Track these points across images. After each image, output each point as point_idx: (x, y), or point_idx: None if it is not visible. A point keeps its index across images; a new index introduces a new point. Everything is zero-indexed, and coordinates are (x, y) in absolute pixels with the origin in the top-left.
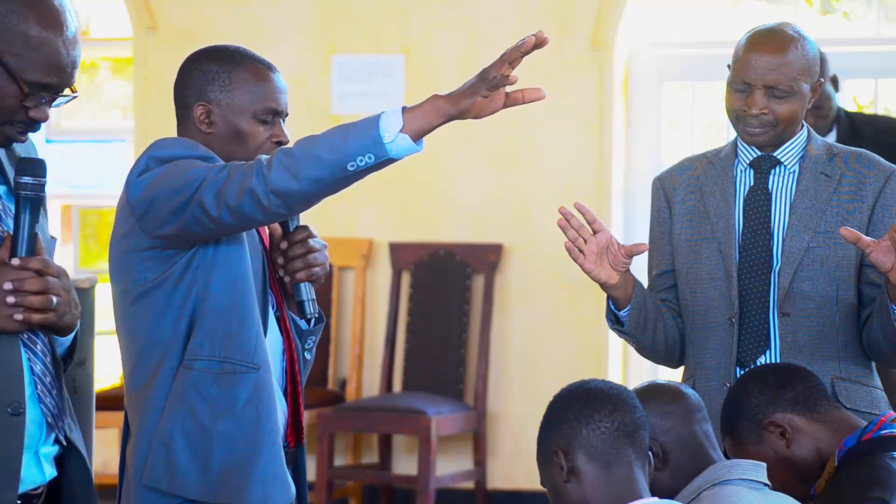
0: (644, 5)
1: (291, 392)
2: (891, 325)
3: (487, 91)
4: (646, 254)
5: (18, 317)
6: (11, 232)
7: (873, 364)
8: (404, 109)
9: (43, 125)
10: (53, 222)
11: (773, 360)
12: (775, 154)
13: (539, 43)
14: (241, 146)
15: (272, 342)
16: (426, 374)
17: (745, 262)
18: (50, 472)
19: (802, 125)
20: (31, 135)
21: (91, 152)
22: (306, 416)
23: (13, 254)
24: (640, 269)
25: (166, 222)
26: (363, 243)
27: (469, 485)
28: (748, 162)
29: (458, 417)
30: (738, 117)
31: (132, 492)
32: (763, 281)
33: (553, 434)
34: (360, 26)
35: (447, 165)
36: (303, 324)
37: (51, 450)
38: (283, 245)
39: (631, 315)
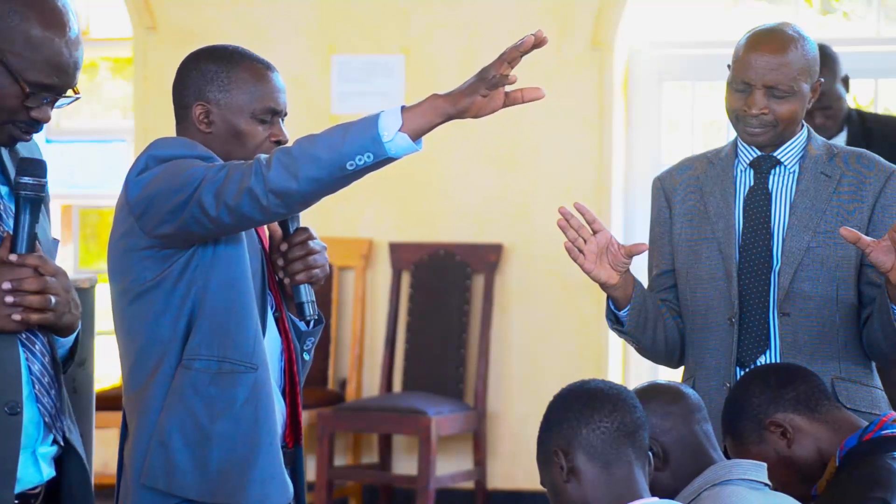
0: (644, 5)
1: (290, 393)
2: (891, 325)
3: (486, 90)
4: (646, 254)
5: (17, 316)
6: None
7: (873, 364)
8: (403, 108)
9: (43, 125)
10: (53, 222)
11: (773, 360)
12: (775, 154)
13: (538, 42)
14: (241, 146)
15: (271, 343)
16: (426, 374)
17: (745, 262)
18: (48, 472)
19: (802, 125)
20: (34, 135)
21: (91, 152)
22: (306, 416)
23: (12, 254)
24: (640, 269)
25: (165, 221)
26: (363, 243)
27: (469, 485)
28: (748, 162)
29: (458, 417)
30: (738, 117)
31: (130, 491)
32: (763, 281)
33: (553, 434)
34: (360, 26)
35: (447, 165)
36: (302, 325)
37: (49, 450)
38: (284, 247)
39: (631, 315)
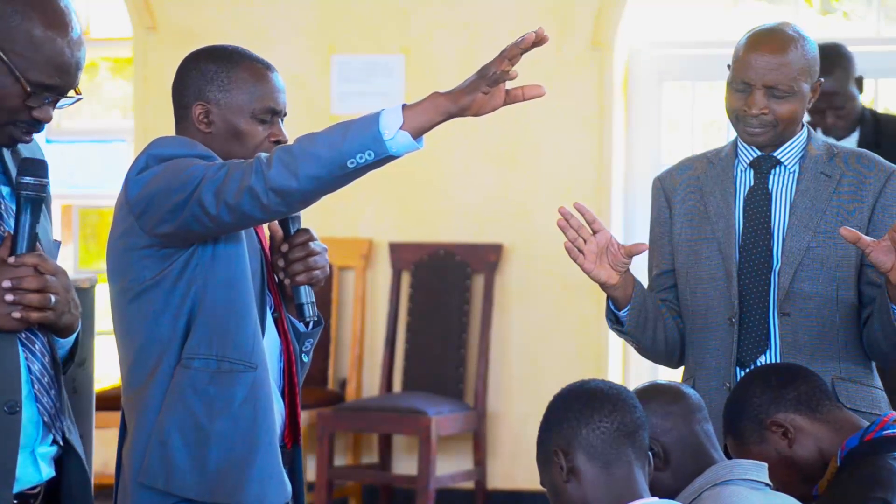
0: (644, 5)
1: (289, 393)
2: (891, 325)
3: (487, 87)
4: (646, 254)
5: (17, 315)
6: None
7: (873, 364)
8: (404, 107)
9: (45, 125)
10: (53, 222)
11: (773, 360)
12: (775, 154)
13: (539, 40)
14: (240, 146)
15: (270, 343)
16: (426, 374)
17: (745, 262)
18: (47, 472)
19: (802, 125)
20: (35, 136)
21: (91, 152)
22: (306, 416)
23: (12, 253)
24: (640, 269)
25: (165, 220)
26: (363, 243)
27: (469, 485)
28: (748, 162)
29: (458, 417)
30: (738, 117)
31: (129, 491)
32: (763, 281)
33: (553, 434)
34: (360, 26)
35: (447, 166)
36: (301, 326)
37: (48, 450)
38: (284, 248)
39: (631, 315)
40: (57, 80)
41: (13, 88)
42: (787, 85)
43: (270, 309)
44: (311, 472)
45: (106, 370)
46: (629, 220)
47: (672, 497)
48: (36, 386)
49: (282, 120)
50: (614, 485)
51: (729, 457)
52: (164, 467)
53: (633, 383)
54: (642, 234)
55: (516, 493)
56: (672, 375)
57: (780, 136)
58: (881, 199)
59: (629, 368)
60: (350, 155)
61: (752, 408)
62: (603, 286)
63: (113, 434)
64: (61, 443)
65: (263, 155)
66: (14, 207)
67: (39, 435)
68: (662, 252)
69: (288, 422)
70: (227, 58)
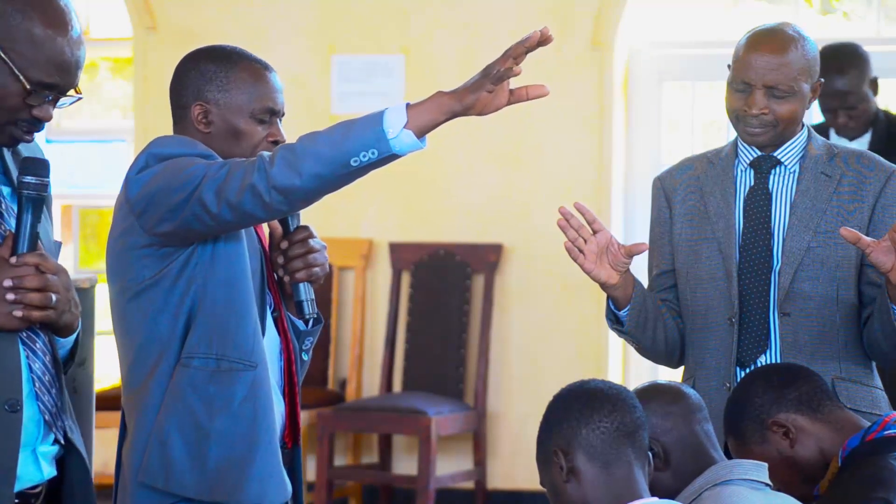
0: (644, 5)
1: (289, 392)
2: (891, 325)
3: (492, 86)
4: (646, 254)
5: (18, 314)
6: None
7: (874, 364)
8: (408, 105)
9: (45, 125)
10: (54, 222)
11: (774, 360)
12: (775, 154)
13: (544, 39)
14: (239, 146)
15: (270, 342)
16: (426, 374)
17: (746, 261)
18: (49, 471)
19: (803, 125)
20: (35, 135)
21: (91, 152)
22: (306, 416)
23: (14, 252)
24: (640, 269)
25: (166, 219)
26: (363, 243)
27: (469, 485)
28: (748, 162)
29: (458, 417)
30: (738, 117)
31: (128, 490)
32: (763, 281)
33: (553, 434)
34: (360, 26)
35: (447, 166)
36: (301, 324)
37: (49, 449)
38: (284, 245)
39: (631, 315)
40: (57, 78)
41: (13, 87)
42: (788, 85)
43: (270, 308)
44: (311, 472)
45: (106, 370)
46: (629, 220)
47: (672, 497)
48: (37, 384)
49: (280, 120)
50: (614, 485)
51: (729, 457)
52: (163, 466)
53: (633, 383)
54: (642, 234)
55: (516, 493)
56: (672, 375)
57: (780, 136)
58: (881, 199)
59: (629, 368)
60: (353, 153)
61: (753, 408)
62: (603, 286)
63: (113, 434)
64: (62, 442)
65: (266, 153)
66: (15, 207)
67: (40, 434)
68: (662, 252)
69: (288, 421)
70: (225, 58)
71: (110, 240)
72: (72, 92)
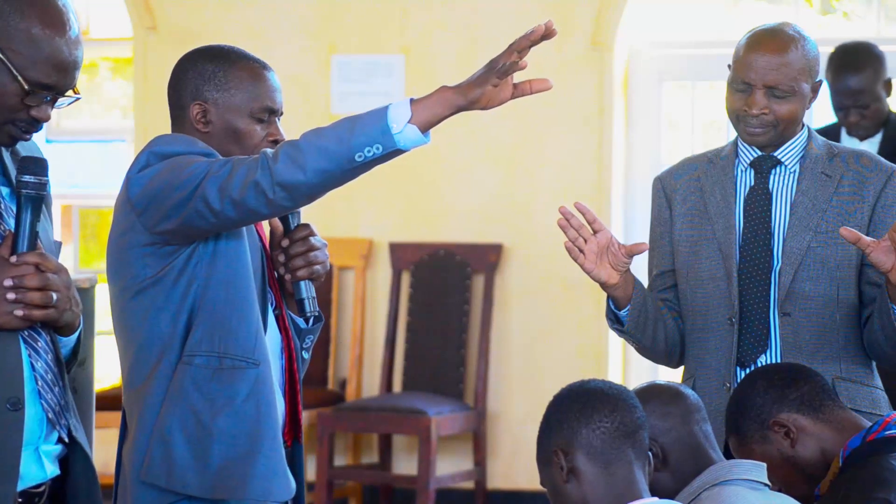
0: (644, 5)
1: (290, 391)
2: (891, 325)
3: (497, 80)
4: (646, 254)
5: (19, 313)
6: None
7: (874, 364)
8: (412, 101)
9: (43, 125)
10: (53, 222)
11: (774, 361)
12: (776, 154)
13: (548, 33)
14: (238, 145)
15: (271, 340)
16: (426, 374)
17: (746, 261)
18: (52, 469)
19: (803, 125)
20: (33, 135)
21: (91, 152)
22: (306, 415)
23: (13, 252)
24: (640, 269)
25: (168, 217)
26: (363, 243)
27: (469, 485)
28: (749, 162)
29: (458, 417)
30: (738, 117)
31: (130, 489)
32: (763, 281)
33: (553, 434)
34: (360, 26)
35: (447, 166)
36: (301, 322)
37: (53, 448)
38: (285, 243)
39: (631, 315)
40: (55, 79)
41: (11, 87)
42: (788, 85)
43: (272, 305)
44: (311, 472)
45: (106, 370)
46: (629, 220)
47: (671, 497)
48: (39, 383)
49: (279, 119)
50: (614, 485)
51: (729, 457)
52: (166, 464)
53: (633, 383)
54: (642, 234)
55: (516, 493)
56: (672, 375)
57: (780, 136)
58: (882, 199)
59: (629, 368)
60: (358, 149)
61: (754, 408)
62: (603, 286)
63: (113, 434)
64: (66, 440)
65: (269, 150)
66: (14, 207)
67: (43, 432)
68: (662, 252)
69: (288, 419)
70: (224, 57)
71: (111, 239)
72: (70, 92)
